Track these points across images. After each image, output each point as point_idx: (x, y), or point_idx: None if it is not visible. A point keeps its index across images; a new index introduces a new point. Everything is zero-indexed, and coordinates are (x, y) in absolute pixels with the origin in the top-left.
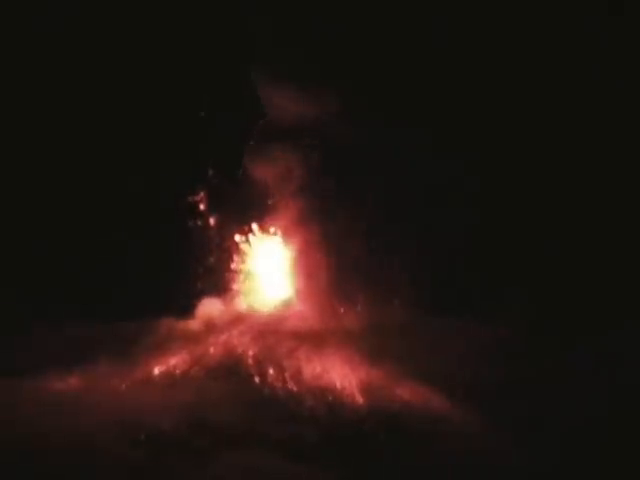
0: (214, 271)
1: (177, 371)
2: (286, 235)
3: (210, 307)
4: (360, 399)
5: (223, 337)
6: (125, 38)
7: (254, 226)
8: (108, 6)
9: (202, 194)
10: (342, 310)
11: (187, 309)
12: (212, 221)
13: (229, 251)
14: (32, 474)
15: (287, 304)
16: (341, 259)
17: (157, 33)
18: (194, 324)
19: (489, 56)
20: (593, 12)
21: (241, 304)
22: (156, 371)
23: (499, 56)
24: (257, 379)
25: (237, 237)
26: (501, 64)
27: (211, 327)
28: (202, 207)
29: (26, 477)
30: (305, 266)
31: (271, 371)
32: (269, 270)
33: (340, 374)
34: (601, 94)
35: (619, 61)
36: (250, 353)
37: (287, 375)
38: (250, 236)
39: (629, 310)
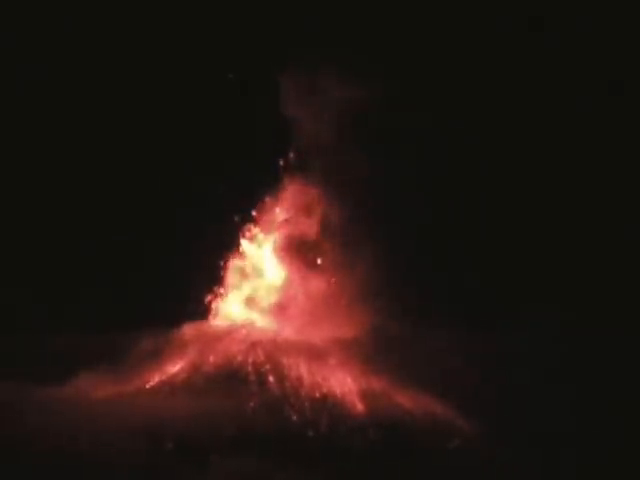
0: (213, 277)
1: (177, 379)
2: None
3: (208, 315)
4: (360, 407)
5: (222, 345)
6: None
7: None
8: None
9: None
10: (344, 318)
11: (186, 317)
12: (214, 225)
13: (228, 257)
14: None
15: (288, 312)
16: (349, 268)
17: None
18: (193, 332)
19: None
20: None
21: (239, 312)
22: (156, 379)
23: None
24: (257, 387)
25: (240, 242)
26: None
27: (210, 335)
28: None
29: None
30: (311, 273)
31: (271, 379)
32: (271, 275)
33: (341, 382)
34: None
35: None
36: (250, 361)
37: (287, 384)
38: (253, 240)
39: (629, 320)
